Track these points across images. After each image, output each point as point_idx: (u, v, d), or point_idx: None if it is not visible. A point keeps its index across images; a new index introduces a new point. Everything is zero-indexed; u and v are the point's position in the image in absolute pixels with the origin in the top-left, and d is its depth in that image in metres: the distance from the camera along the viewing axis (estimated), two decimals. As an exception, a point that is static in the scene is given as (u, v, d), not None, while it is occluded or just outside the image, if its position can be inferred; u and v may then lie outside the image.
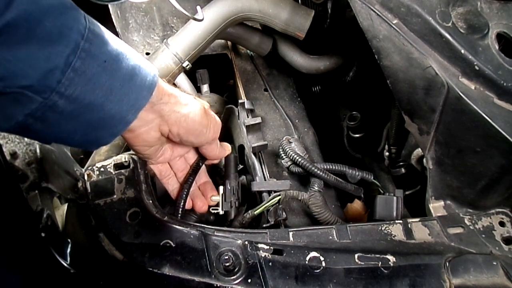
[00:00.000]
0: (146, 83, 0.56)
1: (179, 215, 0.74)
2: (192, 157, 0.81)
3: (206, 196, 0.82)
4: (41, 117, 0.49)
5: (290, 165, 0.93)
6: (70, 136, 0.54)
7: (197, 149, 0.79)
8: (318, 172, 0.87)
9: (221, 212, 0.80)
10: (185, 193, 0.76)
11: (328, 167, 0.91)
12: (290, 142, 0.96)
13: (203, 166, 0.82)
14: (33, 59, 0.45)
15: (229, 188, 0.80)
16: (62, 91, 0.48)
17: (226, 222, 0.83)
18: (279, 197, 0.82)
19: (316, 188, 0.87)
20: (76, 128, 0.53)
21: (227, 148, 0.82)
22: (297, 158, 0.89)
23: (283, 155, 0.94)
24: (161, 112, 0.62)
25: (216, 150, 0.77)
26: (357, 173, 0.91)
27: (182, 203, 0.75)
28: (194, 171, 0.78)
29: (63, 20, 0.47)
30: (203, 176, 0.84)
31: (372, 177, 0.92)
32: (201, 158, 0.79)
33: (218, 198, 0.81)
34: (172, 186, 0.79)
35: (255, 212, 0.81)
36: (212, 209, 0.81)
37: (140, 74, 0.56)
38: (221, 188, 0.81)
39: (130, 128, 0.59)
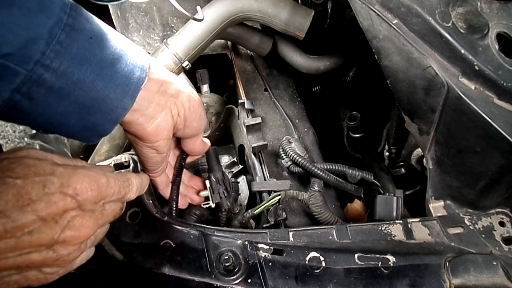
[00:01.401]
0: (138, 64, 0.55)
1: (174, 215, 0.74)
2: (172, 156, 0.79)
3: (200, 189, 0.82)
4: (28, 93, 0.47)
5: (290, 165, 0.93)
6: (64, 119, 0.52)
7: (179, 148, 0.78)
8: (318, 172, 0.87)
9: (213, 205, 0.80)
10: (175, 194, 0.76)
11: (328, 167, 0.91)
12: (290, 142, 0.96)
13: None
14: (13, 25, 0.43)
15: (214, 180, 0.81)
16: (48, 63, 0.46)
17: (221, 212, 0.83)
18: (279, 197, 0.82)
19: (316, 188, 0.87)
20: (69, 110, 0.50)
21: (207, 141, 0.82)
22: (297, 158, 0.89)
23: (283, 155, 0.94)
24: (170, 92, 0.60)
25: (202, 143, 0.76)
26: (357, 173, 0.91)
27: (174, 204, 0.75)
28: (179, 170, 0.78)
29: None
30: (186, 172, 0.84)
31: (372, 177, 0.92)
32: (183, 156, 0.79)
33: (206, 192, 0.81)
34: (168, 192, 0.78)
35: (255, 212, 0.81)
36: (203, 204, 0.82)
37: (130, 54, 0.54)
38: (207, 182, 0.81)
39: (150, 115, 0.58)
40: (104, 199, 0.52)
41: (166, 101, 0.60)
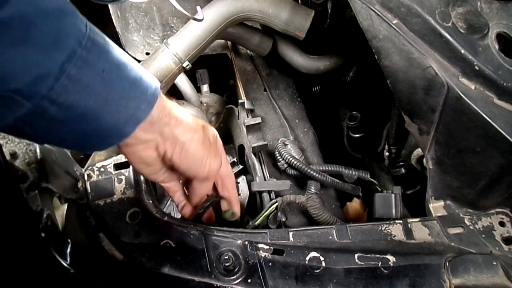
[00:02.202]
0: (147, 96, 0.54)
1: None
2: None
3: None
4: (31, 122, 0.47)
5: (286, 167, 0.93)
6: (62, 141, 0.52)
7: None
8: (314, 174, 0.87)
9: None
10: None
11: (324, 168, 0.91)
12: (286, 145, 0.96)
13: None
14: (25, 63, 0.43)
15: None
16: (54, 98, 0.46)
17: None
18: (276, 204, 0.82)
19: (313, 190, 0.87)
20: (69, 135, 0.51)
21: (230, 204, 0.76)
22: (293, 160, 0.89)
23: (279, 157, 0.94)
24: (162, 132, 0.59)
25: (202, 192, 0.71)
26: (353, 173, 0.91)
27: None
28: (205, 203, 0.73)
29: (61, 25, 0.46)
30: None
31: (369, 176, 0.92)
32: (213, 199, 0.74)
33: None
34: (178, 199, 0.74)
35: (256, 224, 0.81)
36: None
37: (141, 86, 0.54)
38: None
39: (126, 143, 0.57)
40: None
41: (153, 138, 0.59)
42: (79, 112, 0.49)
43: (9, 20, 0.42)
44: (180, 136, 0.61)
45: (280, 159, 0.94)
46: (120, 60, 0.52)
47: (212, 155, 0.66)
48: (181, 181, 0.73)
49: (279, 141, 0.99)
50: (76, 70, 0.46)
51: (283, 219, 0.80)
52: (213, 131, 0.68)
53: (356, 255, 0.69)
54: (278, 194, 0.90)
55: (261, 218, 0.81)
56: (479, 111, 0.66)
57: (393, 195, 0.83)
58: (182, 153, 0.62)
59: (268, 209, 0.82)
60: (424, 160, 0.82)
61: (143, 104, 0.54)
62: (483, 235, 0.75)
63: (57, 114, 0.47)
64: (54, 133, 0.50)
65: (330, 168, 0.92)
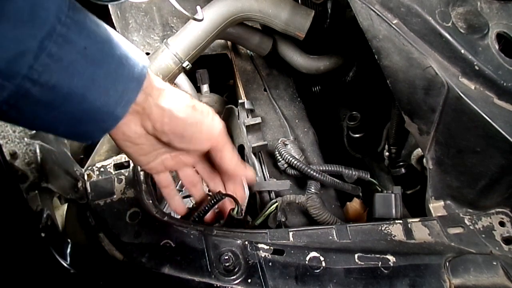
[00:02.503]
0: (135, 74, 0.52)
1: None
2: (201, 168, 0.72)
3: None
4: (15, 105, 0.45)
5: (286, 167, 0.93)
6: (53, 126, 0.50)
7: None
8: (314, 174, 0.87)
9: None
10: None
11: (324, 168, 0.91)
12: (286, 145, 0.96)
13: None
14: (2, 39, 0.41)
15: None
16: (35, 78, 0.43)
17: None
18: (276, 203, 0.82)
19: (313, 190, 0.87)
20: (58, 119, 0.49)
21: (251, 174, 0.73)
22: (293, 160, 0.89)
23: (279, 157, 0.94)
24: (143, 105, 0.55)
25: (231, 159, 0.67)
26: (353, 173, 0.91)
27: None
28: (211, 201, 0.72)
29: (38, 0, 0.43)
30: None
31: (369, 176, 0.92)
32: (219, 197, 0.72)
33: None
34: (169, 194, 0.72)
35: (256, 223, 0.81)
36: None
37: (128, 64, 0.51)
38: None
39: None
40: None
41: (137, 111, 0.56)
42: (64, 93, 0.46)
43: None
44: (166, 104, 0.57)
45: (280, 159, 0.94)
46: (104, 37, 0.49)
47: (205, 116, 0.62)
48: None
49: (279, 141, 0.99)
50: (57, 48, 0.44)
51: (283, 219, 0.80)
52: (201, 101, 0.65)
53: (356, 255, 0.69)
54: (278, 194, 0.90)
55: (261, 218, 0.81)
56: (479, 111, 0.66)
57: (393, 195, 0.83)
58: (172, 121, 0.58)
59: (268, 209, 0.82)
60: (424, 160, 0.82)
61: (132, 82, 0.52)
62: (483, 235, 0.75)
63: (41, 95, 0.45)
64: (42, 118, 0.48)
65: (330, 168, 0.92)
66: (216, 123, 0.63)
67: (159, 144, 0.62)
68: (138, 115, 0.56)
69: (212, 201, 0.72)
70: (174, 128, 0.59)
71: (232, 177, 0.73)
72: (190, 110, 0.60)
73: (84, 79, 0.47)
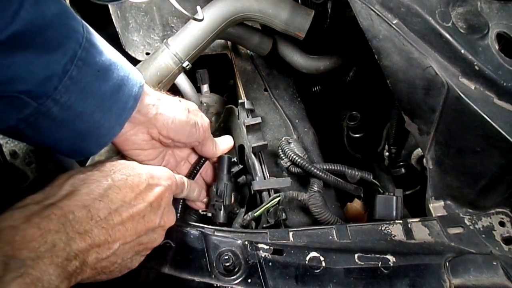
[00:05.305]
0: (133, 93, 0.57)
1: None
2: (194, 158, 0.81)
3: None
4: (33, 123, 0.49)
5: (290, 165, 0.93)
6: (58, 144, 0.54)
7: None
8: (318, 172, 0.87)
9: (209, 214, 0.79)
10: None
11: (327, 167, 0.91)
12: (289, 143, 0.96)
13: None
14: (32, 66, 0.46)
15: (215, 190, 0.79)
16: (58, 98, 0.48)
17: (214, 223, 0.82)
18: (279, 198, 0.82)
19: (316, 189, 0.87)
20: (64, 136, 0.53)
21: (227, 144, 0.82)
22: (296, 158, 0.89)
23: (282, 155, 0.94)
24: (148, 115, 0.62)
25: (212, 148, 0.78)
26: (356, 173, 0.91)
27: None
28: (195, 166, 0.79)
29: (64, 30, 0.48)
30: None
31: (371, 177, 0.91)
32: (200, 161, 0.80)
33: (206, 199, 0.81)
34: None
35: (255, 214, 0.81)
36: (202, 211, 0.81)
37: (128, 84, 0.56)
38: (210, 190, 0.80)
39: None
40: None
41: (141, 122, 0.62)
42: (78, 112, 0.51)
43: (21, 32, 0.44)
44: (167, 112, 0.64)
45: (284, 157, 0.93)
46: (111, 59, 0.54)
47: (198, 117, 0.71)
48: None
49: (282, 139, 0.98)
50: (77, 71, 0.49)
51: (283, 218, 0.80)
52: (187, 101, 0.72)
53: (356, 255, 0.69)
54: (278, 192, 0.90)
55: (261, 210, 0.80)
56: (479, 111, 0.66)
57: (394, 197, 0.83)
58: (175, 127, 0.66)
59: (270, 201, 0.81)
60: (424, 160, 0.82)
61: (130, 101, 0.57)
62: (483, 235, 0.75)
63: (59, 114, 0.50)
64: (53, 135, 0.52)
65: (333, 168, 0.92)
66: (204, 119, 0.73)
67: (161, 147, 0.70)
68: (144, 125, 0.62)
69: (201, 161, 0.80)
70: (178, 130, 0.66)
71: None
72: (187, 113, 0.68)
73: (96, 98, 0.52)
